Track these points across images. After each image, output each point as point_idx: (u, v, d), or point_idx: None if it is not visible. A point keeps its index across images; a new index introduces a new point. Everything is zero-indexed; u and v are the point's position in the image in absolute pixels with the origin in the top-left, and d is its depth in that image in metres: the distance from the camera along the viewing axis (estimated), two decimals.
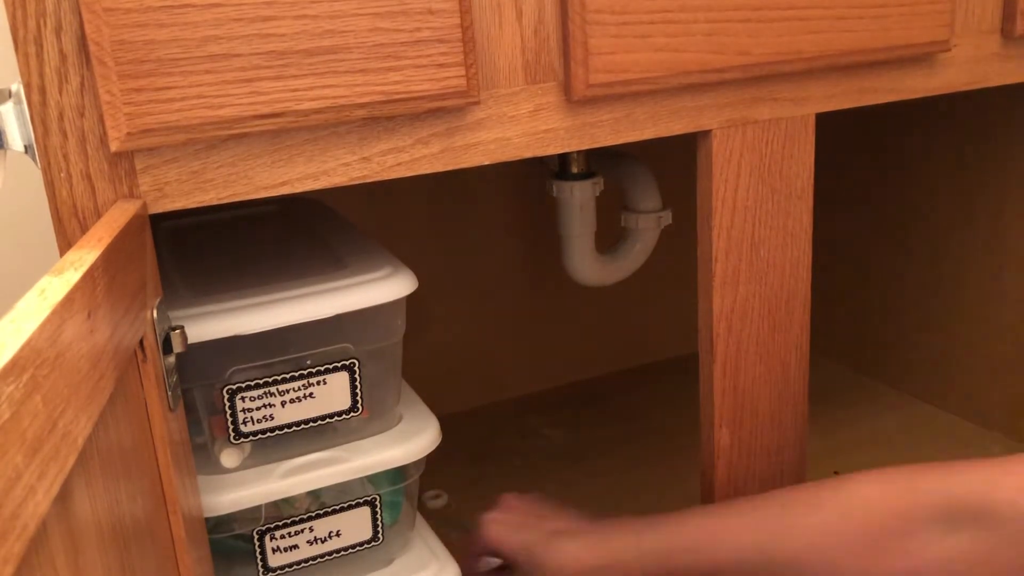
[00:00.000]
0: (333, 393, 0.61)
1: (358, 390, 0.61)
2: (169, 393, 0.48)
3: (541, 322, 1.16)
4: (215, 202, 0.50)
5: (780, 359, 0.70)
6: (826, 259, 0.96)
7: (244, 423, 0.59)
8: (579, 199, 0.91)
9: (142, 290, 0.45)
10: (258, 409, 0.59)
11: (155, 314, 0.47)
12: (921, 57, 0.68)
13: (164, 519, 0.46)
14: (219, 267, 0.67)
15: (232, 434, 0.59)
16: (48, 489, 0.27)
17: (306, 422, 0.61)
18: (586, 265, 0.95)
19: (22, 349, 0.26)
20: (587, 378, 1.21)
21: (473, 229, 1.09)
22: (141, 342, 0.44)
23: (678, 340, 1.22)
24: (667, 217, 0.94)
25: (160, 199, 0.48)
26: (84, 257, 0.36)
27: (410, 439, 0.64)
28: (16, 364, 0.26)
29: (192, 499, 0.53)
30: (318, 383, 0.60)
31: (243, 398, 0.58)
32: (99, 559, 0.33)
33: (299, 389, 0.60)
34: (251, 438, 0.59)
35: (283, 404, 0.60)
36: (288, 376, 0.59)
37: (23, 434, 0.25)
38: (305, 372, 0.60)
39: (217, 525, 0.60)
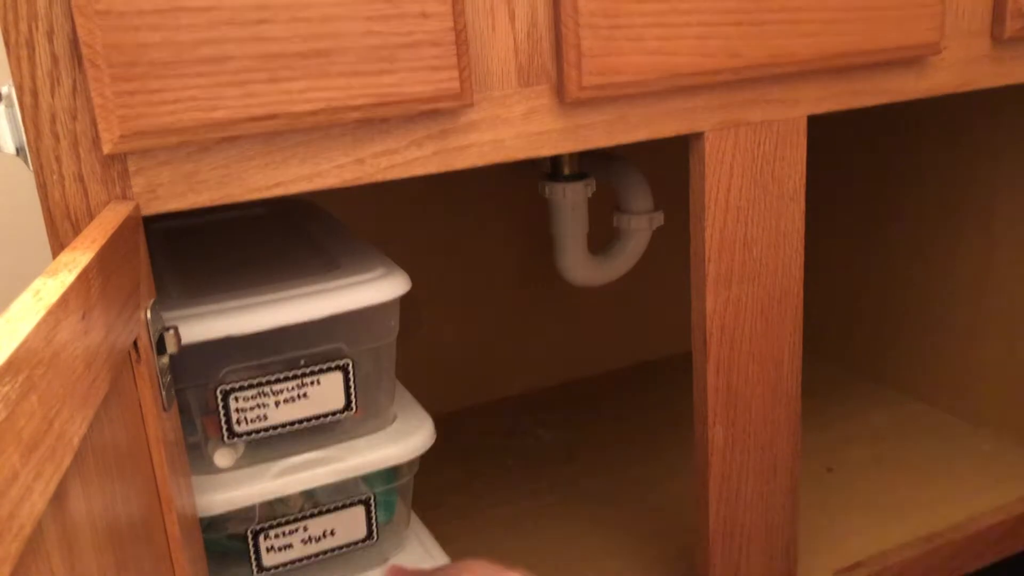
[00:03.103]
0: (327, 393, 0.61)
1: (352, 390, 0.62)
2: (163, 393, 0.48)
3: (534, 322, 1.16)
4: (208, 204, 0.50)
5: (773, 357, 0.70)
6: (817, 257, 0.96)
7: (238, 423, 0.59)
8: (571, 200, 0.92)
9: (136, 291, 0.45)
10: (252, 409, 0.59)
11: (149, 315, 0.47)
12: (912, 59, 0.68)
13: (159, 519, 0.46)
14: (212, 268, 0.67)
15: (226, 434, 0.59)
16: (44, 489, 0.27)
17: (300, 422, 0.61)
18: (578, 266, 0.96)
19: (18, 350, 0.26)
20: (580, 378, 1.21)
21: (465, 230, 1.09)
22: (135, 343, 0.44)
23: (671, 340, 1.23)
24: (659, 218, 0.95)
25: (153, 201, 0.48)
26: (78, 258, 0.36)
27: (404, 438, 0.64)
28: (12, 364, 0.26)
29: (186, 499, 0.53)
30: (312, 383, 0.60)
31: (236, 398, 0.58)
32: (95, 559, 0.33)
33: (293, 389, 0.60)
34: (245, 438, 0.60)
35: (277, 404, 0.60)
36: (282, 376, 0.59)
37: (19, 434, 0.25)
38: (299, 372, 0.60)
39: (211, 525, 0.60)
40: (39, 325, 0.28)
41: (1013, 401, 0.99)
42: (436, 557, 0.68)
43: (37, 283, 0.33)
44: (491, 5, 0.54)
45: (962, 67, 0.71)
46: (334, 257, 0.66)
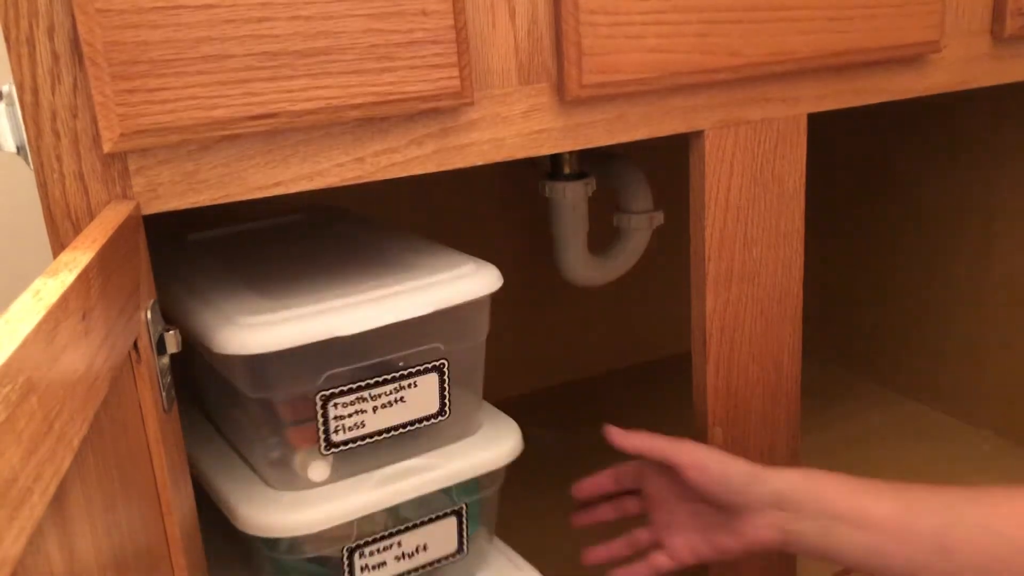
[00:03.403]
0: (423, 396, 0.58)
1: (447, 393, 0.59)
2: (163, 395, 0.48)
3: (534, 322, 1.16)
4: (208, 203, 0.50)
5: (772, 358, 0.70)
6: (817, 257, 0.96)
7: (336, 432, 0.55)
8: (571, 200, 0.92)
9: (136, 291, 0.45)
10: (350, 416, 0.56)
11: (149, 315, 0.47)
12: (912, 58, 0.68)
13: (159, 520, 0.46)
14: (283, 274, 0.63)
15: (323, 444, 0.55)
16: (44, 491, 0.27)
17: (397, 428, 0.57)
18: (579, 265, 0.96)
19: (17, 351, 0.26)
20: (580, 378, 1.21)
21: (465, 229, 1.09)
22: (135, 343, 0.44)
23: (670, 340, 1.22)
24: (659, 217, 0.95)
25: (153, 200, 0.48)
26: (78, 258, 0.36)
27: (495, 444, 0.62)
28: (11, 366, 0.25)
29: (186, 501, 0.53)
30: (409, 386, 0.57)
31: (335, 404, 0.55)
32: (95, 561, 0.33)
33: (391, 393, 0.57)
34: (343, 447, 0.56)
35: (375, 410, 0.56)
36: (381, 380, 0.56)
37: (19, 436, 0.25)
38: (398, 375, 0.57)
39: (292, 546, 0.56)
40: (39, 326, 0.28)
41: (1013, 401, 0.99)
42: (525, 571, 0.65)
43: (37, 283, 0.33)
44: (491, 3, 0.54)
45: (962, 65, 0.71)
46: (406, 257, 0.63)
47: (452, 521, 0.61)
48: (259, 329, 0.53)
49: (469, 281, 0.58)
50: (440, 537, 0.61)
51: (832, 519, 0.58)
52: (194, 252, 0.71)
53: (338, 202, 0.96)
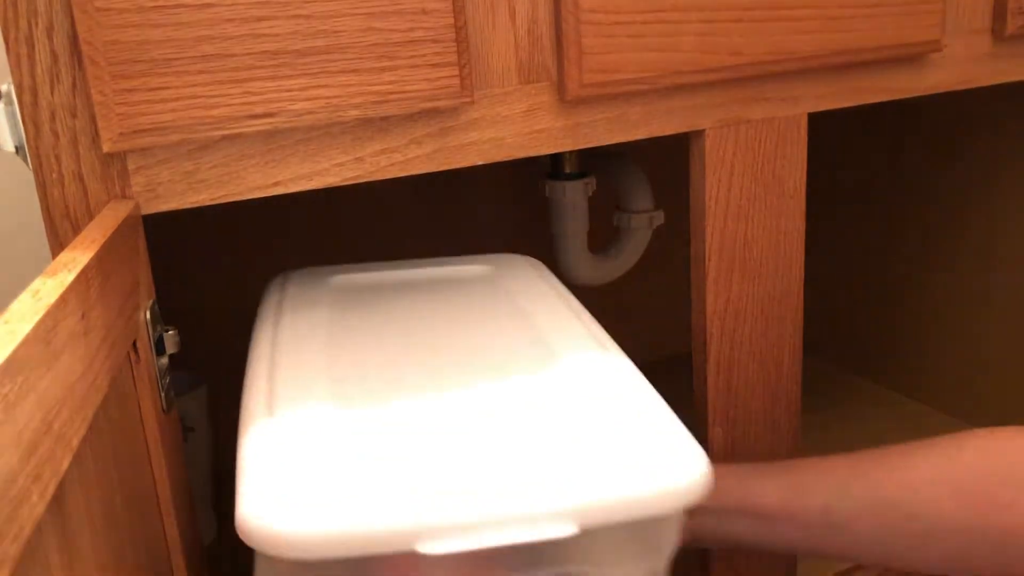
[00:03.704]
0: None
1: None
2: (162, 395, 0.48)
3: None
4: (208, 203, 0.50)
5: (773, 358, 0.70)
6: (817, 257, 0.96)
7: None
8: (571, 199, 0.91)
9: (135, 291, 0.45)
10: None
11: (148, 315, 0.47)
12: (913, 57, 0.68)
13: (158, 521, 0.46)
14: (392, 366, 0.47)
15: None
16: (43, 491, 0.27)
17: None
18: (579, 265, 0.96)
19: (16, 350, 0.26)
20: None
21: (465, 229, 1.09)
22: (134, 344, 0.44)
23: (670, 340, 1.22)
24: (659, 217, 0.95)
25: (153, 200, 0.48)
26: (77, 258, 0.36)
27: None
28: (10, 366, 0.25)
29: (184, 502, 0.52)
30: None
31: None
32: (94, 560, 0.33)
33: None
34: None
35: None
36: None
37: (18, 436, 0.25)
38: None
39: None
40: (38, 326, 0.28)
41: (1013, 403, 0.99)
42: None
43: (36, 283, 0.33)
44: (492, 2, 0.54)
45: (963, 65, 0.71)
46: (576, 375, 0.46)
47: None
48: (294, 523, 0.35)
49: (651, 476, 0.37)
50: None
51: (725, 511, 0.61)
52: (327, 301, 0.58)
53: (339, 201, 0.96)
